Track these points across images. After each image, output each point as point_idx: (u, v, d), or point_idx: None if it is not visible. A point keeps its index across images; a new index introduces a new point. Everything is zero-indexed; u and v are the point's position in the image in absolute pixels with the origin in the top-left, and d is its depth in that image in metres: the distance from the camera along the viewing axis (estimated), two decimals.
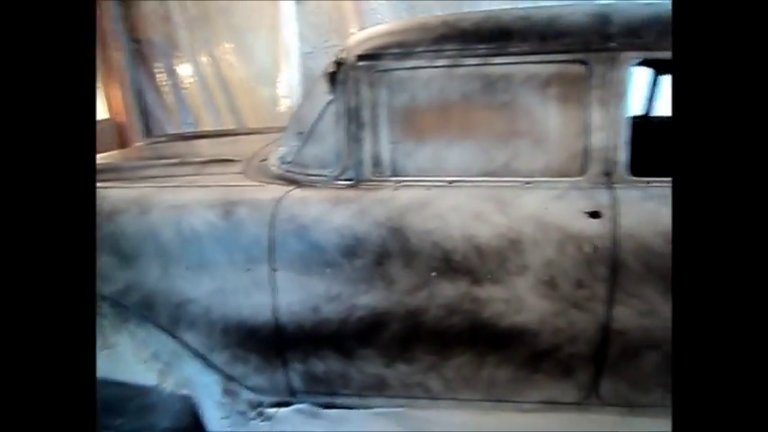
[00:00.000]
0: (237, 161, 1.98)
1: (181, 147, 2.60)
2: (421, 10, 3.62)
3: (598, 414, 1.56)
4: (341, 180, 1.58)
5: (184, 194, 1.65)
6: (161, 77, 4.12)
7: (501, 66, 1.47)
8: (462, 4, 3.58)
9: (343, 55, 1.59)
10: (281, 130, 3.18)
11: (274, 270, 1.54)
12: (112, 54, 3.87)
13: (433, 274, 1.47)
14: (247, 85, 3.99)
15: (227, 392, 1.67)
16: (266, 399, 1.69)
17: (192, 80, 4.08)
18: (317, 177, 1.61)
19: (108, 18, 3.82)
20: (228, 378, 1.66)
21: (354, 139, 1.55)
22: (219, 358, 1.63)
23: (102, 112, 3.93)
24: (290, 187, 1.60)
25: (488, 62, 1.47)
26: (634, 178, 1.44)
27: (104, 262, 1.62)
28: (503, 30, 1.48)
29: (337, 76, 1.58)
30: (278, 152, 1.76)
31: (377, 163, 1.55)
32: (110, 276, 1.64)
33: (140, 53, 4.08)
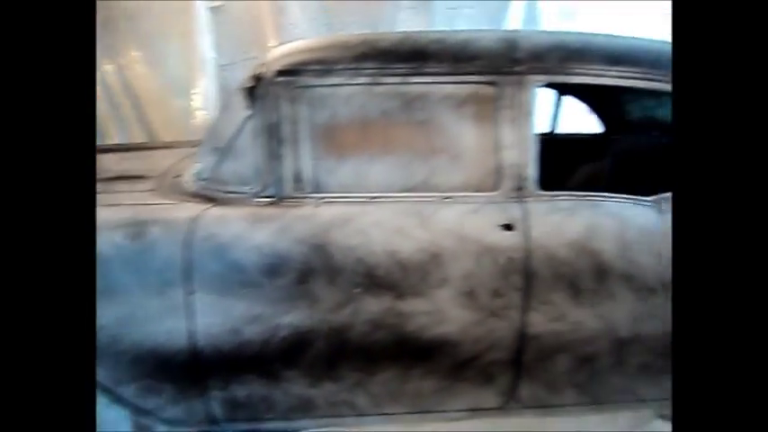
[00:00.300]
0: (148, 178, 1.86)
1: None
2: (339, 27, 3.66)
3: (518, 417, 1.64)
4: (261, 197, 1.54)
5: None
6: None
7: (418, 85, 1.52)
8: (378, 23, 3.67)
9: (263, 69, 1.56)
10: (195, 144, 3.06)
11: (190, 293, 1.46)
12: None
13: (357, 290, 1.47)
14: (158, 96, 3.77)
15: (139, 428, 1.55)
16: (184, 431, 1.58)
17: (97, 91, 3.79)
18: (236, 194, 1.55)
19: None
20: (140, 412, 1.54)
21: (274, 155, 1.52)
22: (129, 391, 1.51)
23: None
24: (207, 205, 1.54)
25: (407, 81, 1.52)
26: (542, 192, 1.54)
27: None
28: (419, 51, 1.53)
29: (256, 90, 1.54)
30: (193, 168, 1.68)
31: (298, 179, 1.53)
32: None
33: None
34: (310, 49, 1.59)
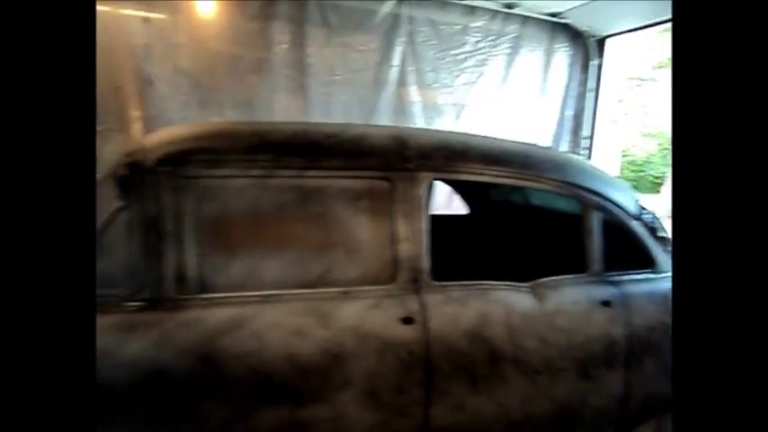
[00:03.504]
0: None
1: None
2: (213, 105, 3.55)
3: None
4: (135, 300, 1.33)
5: None
6: None
7: (314, 179, 1.50)
8: (255, 102, 3.65)
9: (139, 157, 1.40)
10: None
11: None
12: None
13: (252, 402, 1.32)
14: None
15: None
16: None
17: None
18: (102, 298, 1.32)
19: None
20: None
21: (153, 251, 1.35)
22: None
23: None
24: None
25: (302, 175, 1.49)
26: (436, 283, 1.58)
27: None
28: (315, 145, 1.53)
29: (131, 180, 1.38)
30: None
31: (181, 279, 1.37)
32: None
33: None
34: (196, 137, 1.49)
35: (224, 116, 3.59)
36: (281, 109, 3.68)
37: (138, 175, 1.37)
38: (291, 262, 1.47)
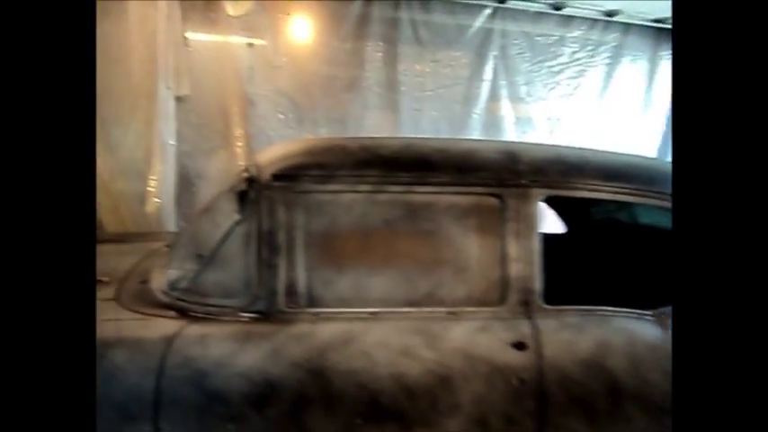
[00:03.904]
0: (106, 282, 1.63)
1: None
2: (309, 122, 3.68)
3: None
4: (249, 312, 1.36)
5: None
6: None
7: (422, 194, 1.47)
8: (347, 119, 3.74)
9: (255, 172, 1.45)
10: (148, 237, 2.83)
11: (158, 430, 1.22)
12: None
13: (359, 420, 1.29)
14: (108, 180, 3.54)
15: None
16: None
17: None
18: (219, 308, 1.37)
19: None
20: None
21: (267, 264, 1.38)
22: None
23: None
24: (184, 321, 1.34)
25: (410, 190, 1.46)
26: (549, 307, 1.47)
27: None
28: (422, 160, 1.50)
29: (248, 194, 1.43)
30: (167, 275, 1.48)
31: (291, 292, 1.38)
32: None
33: None
34: (307, 153, 1.52)
35: (318, 133, 3.71)
36: (373, 125, 3.74)
37: (254, 190, 1.42)
38: (398, 279, 1.44)
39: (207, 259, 1.42)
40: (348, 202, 1.44)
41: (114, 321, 1.34)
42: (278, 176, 1.42)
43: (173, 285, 1.45)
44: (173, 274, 1.46)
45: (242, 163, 3.62)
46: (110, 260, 1.95)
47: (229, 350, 1.28)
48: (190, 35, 3.54)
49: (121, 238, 2.54)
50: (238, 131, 3.64)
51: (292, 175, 1.42)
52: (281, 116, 3.66)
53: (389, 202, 1.45)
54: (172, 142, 3.55)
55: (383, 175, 1.45)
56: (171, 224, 3.57)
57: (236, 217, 1.42)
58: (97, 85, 3.28)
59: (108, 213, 3.62)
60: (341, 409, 1.28)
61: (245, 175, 1.46)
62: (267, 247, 1.38)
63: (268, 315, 1.36)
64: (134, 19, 3.49)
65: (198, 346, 1.27)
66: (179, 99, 3.58)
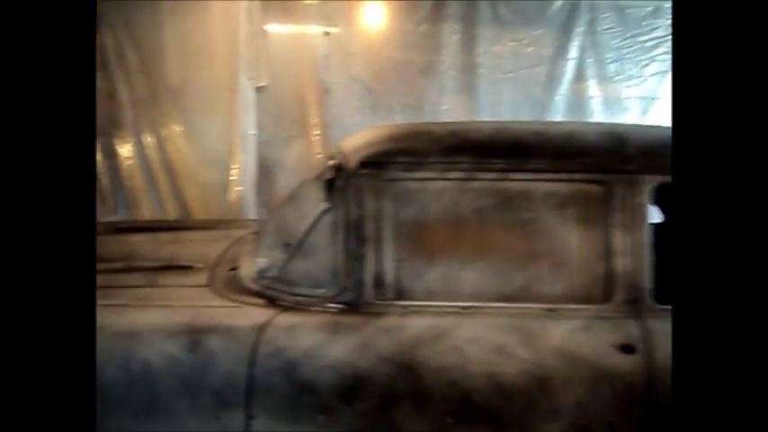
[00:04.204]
0: (199, 268, 1.68)
1: (120, 243, 2.24)
2: (384, 109, 3.63)
3: None
4: (336, 303, 1.34)
5: (137, 317, 1.32)
6: (97, 158, 3.74)
7: (517, 182, 1.36)
8: (423, 104, 3.65)
9: (342, 159, 1.42)
10: (233, 224, 2.91)
11: (251, 418, 1.23)
12: None
13: (450, 420, 1.23)
14: (194, 169, 3.71)
15: None
16: None
17: (131, 162, 3.73)
18: (308, 298, 1.36)
19: None
20: None
21: (354, 254, 1.34)
22: None
23: None
24: (275, 310, 1.34)
25: (504, 177, 1.36)
26: (660, 306, 1.33)
27: None
28: (519, 144, 1.39)
29: (335, 182, 1.40)
30: (256, 263, 1.50)
31: (379, 284, 1.34)
32: None
33: None
34: (394, 139, 1.46)
35: (393, 120, 3.66)
36: (449, 110, 3.62)
37: (341, 178, 1.39)
38: (491, 272, 1.36)
39: (294, 248, 1.41)
40: (438, 190, 1.37)
41: (211, 309, 1.36)
42: (365, 164, 1.38)
43: (262, 274, 1.45)
44: (262, 262, 1.47)
45: (319, 152, 3.65)
46: (199, 247, 2.01)
47: (319, 341, 1.26)
48: (269, 27, 3.59)
49: (209, 225, 2.63)
50: (315, 120, 3.66)
51: (380, 162, 1.37)
52: (357, 103, 3.64)
53: (482, 189, 1.36)
54: (252, 132, 3.65)
55: (475, 162, 1.36)
56: (252, 212, 3.68)
57: (324, 206, 1.39)
58: (182, 77, 3.42)
59: (194, 201, 3.80)
60: (431, 407, 1.23)
61: (332, 162, 1.43)
62: (354, 236, 1.35)
63: (355, 307, 1.32)
64: (216, 14, 3.60)
65: (288, 337, 1.27)
66: (259, 90, 3.67)
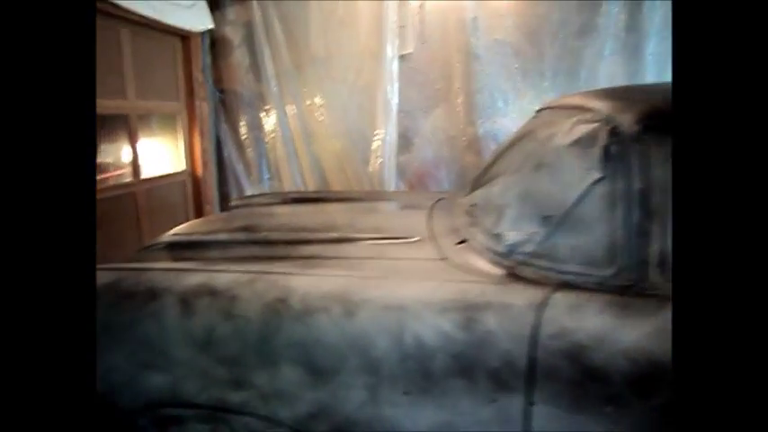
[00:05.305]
0: (416, 241, 1.62)
1: (317, 214, 2.22)
2: (533, 74, 3.40)
3: None
4: (614, 283, 1.20)
5: (400, 291, 1.27)
6: (243, 130, 3.85)
7: None
8: (578, 69, 3.37)
9: (618, 122, 1.26)
10: (399, 196, 2.83)
11: (531, 404, 1.14)
12: (199, 104, 3.63)
13: None
14: (335, 141, 3.71)
15: None
16: None
17: (275, 134, 3.81)
18: (581, 276, 1.23)
19: (197, 67, 3.60)
20: None
21: (637, 230, 1.19)
22: None
23: (180, 163, 3.63)
24: (547, 288, 1.23)
25: None
26: None
27: (286, 376, 1.23)
28: None
29: (609, 149, 1.24)
30: (501, 237, 1.39)
31: (663, 263, 1.18)
32: (292, 395, 1.23)
33: (225, 104, 3.84)
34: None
35: (543, 87, 3.42)
36: (609, 75, 3.31)
37: (619, 144, 1.23)
38: None
39: (558, 221, 1.28)
40: None
41: (480, 285, 1.28)
42: (649, 128, 1.21)
43: (512, 248, 1.35)
44: (511, 236, 1.36)
45: (462, 121, 3.50)
46: (392, 218, 1.96)
47: (608, 324, 1.13)
48: None
49: (378, 197, 2.60)
50: (459, 87, 3.51)
51: (666, 127, 1.20)
52: (506, 69, 3.43)
53: None
54: (395, 101, 3.57)
55: None
56: (391, 183, 3.63)
57: (595, 175, 1.24)
58: (327, 48, 3.41)
59: (332, 173, 3.82)
60: None
61: (606, 126, 1.27)
62: (638, 210, 1.19)
63: (638, 288, 1.18)
64: None
65: (572, 317, 1.15)
66: (402, 57, 3.56)
